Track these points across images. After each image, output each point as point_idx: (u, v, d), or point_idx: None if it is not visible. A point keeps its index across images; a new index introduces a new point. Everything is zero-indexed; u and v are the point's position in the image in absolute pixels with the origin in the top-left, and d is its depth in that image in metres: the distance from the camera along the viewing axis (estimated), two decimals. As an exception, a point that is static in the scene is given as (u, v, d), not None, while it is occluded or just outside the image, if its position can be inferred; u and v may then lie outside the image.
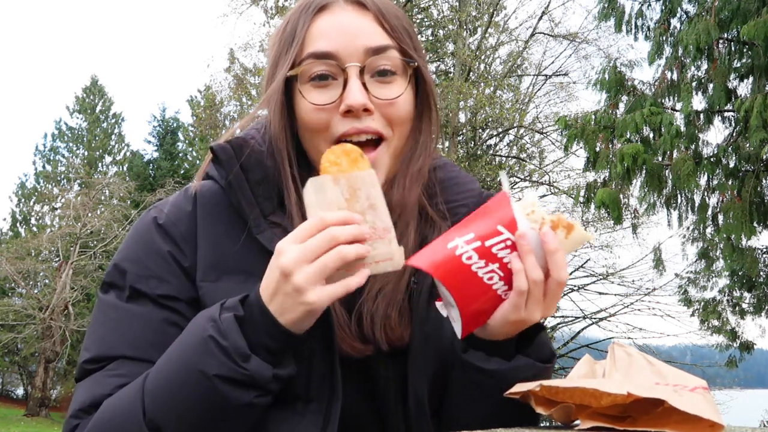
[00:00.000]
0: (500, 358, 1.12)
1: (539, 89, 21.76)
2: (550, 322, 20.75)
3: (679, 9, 9.98)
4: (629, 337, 20.41)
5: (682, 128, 9.10)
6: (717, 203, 9.83)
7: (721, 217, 9.64)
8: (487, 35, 20.55)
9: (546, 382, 0.95)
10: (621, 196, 9.69)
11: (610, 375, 1.04)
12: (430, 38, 20.24)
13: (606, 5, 10.50)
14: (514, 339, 1.13)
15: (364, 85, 1.16)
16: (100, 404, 1.11)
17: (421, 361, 1.19)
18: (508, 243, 1.04)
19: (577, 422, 0.95)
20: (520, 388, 0.99)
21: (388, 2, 1.24)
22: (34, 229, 32.87)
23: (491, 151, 20.49)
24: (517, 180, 20.50)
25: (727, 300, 14.43)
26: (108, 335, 1.16)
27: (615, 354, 1.08)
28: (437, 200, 1.30)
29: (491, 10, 20.14)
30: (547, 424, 1.12)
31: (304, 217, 1.10)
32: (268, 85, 1.25)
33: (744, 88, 9.64)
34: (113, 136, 37.52)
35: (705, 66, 9.63)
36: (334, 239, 1.01)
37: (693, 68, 9.74)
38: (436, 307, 1.12)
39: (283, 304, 1.02)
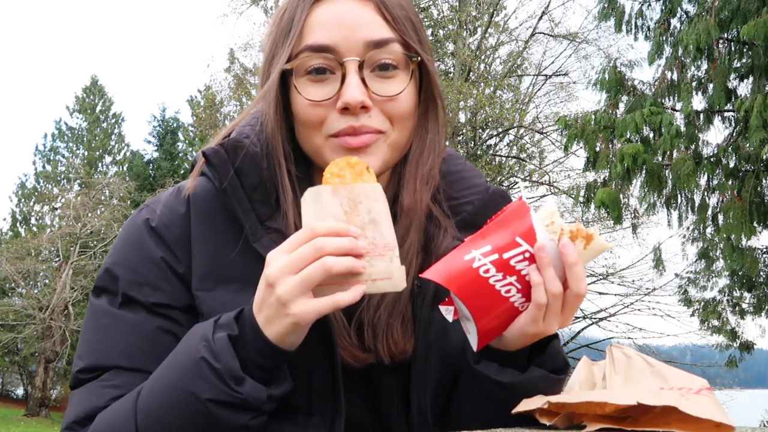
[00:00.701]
0: (514, 370, 1.09)
1: (539, 89, 21.78)
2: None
3: (679, 9, 9.98)
4: (629, 337, 20.43)
5: (682, 128, 9.10)
6: (717, 203, 9.84)
7: (721, 217, 9.65)
8: (487, 35, 20.56)
9: (554, 398, 0.94)
10: (621, 196, 9.69)
11: (610, 378, 1.03)
12: (430, 38, 20.19)
13: (606, 5, 10.50)
14: (527, 349, 1.11)
15: (363, 80, 1.10)
16: (95, 417, 1.08)
17: (425, 371, 1.16)
18: (527, 255, 1.00)
19: (582, 424, 0.95)
20: (528, 406, 0.98)
21: None
22: (34, 229, 32.85)
23: (491, 151, 20.50)
24: (517, 180, 20.51)
25: (727, 300, 14.43)
26: (101, 344, 1.13)
27: (613, 356, 1.07)
28: (441, 197, 1.25)
29: (491, 10, 20.15)
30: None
31: (299, 218, 1.06)
32: (263, 77, 1.19)
33: (744, 88, 9.66)
34: (113, 136, 37.50)
35: (705, 66, 9.64)
36: (320, 250, 0.95)
37: (693, 68, 9.75)
38: (440, 311, 1.08)
39: (268, 315, 0.98)
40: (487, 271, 0.99)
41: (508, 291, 1.01)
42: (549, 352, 1.14)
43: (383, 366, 1.15)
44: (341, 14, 1.11)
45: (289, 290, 0.95)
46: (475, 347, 1.05)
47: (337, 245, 0.96)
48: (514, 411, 1.00)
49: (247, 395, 0.97)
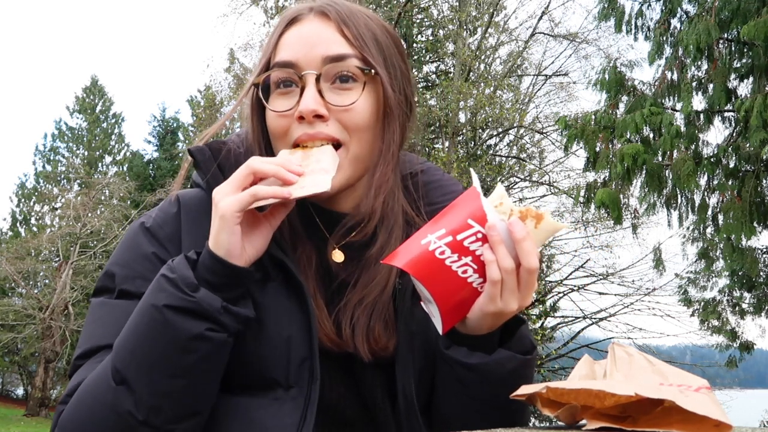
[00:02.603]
0: (483, 353, 1.14)
1: (539, 89, 21.77)
2: (550, 323, 20.76)
3: (679, 9, 9.97)
4: (629, 337, 20.40)
5: (682, 128, 9.09)
6: (717, 203, 9.83)
7: (721, 217, 9.64)
8: (487, 35, 20.54)
9: (552, 384, 0.95)
10: (621, 196, 9.68)
11: (611, 375, 1.04)
12: (430, 38, 20.25)
13: (606, 5, 10.49)
14: (496, 334, 1.15)
15: (320, 92, 1.18)
16: None
17: (409, 360, 1.21)
18: (479, 236, 1.05)
19: (582, 422, 0.95)
20: (525, 390, 0.99)
21: (360, 12, 1.26)
22: (34, 229, 32.82)
23: (491, 151, 20.47)
24: (517, 180, 20.49)
25: (727, 300, 14.43)
26: (96, 331, 1.20)
27: (615, 354, 1.08)
28: (420, 204, 1.32)
29: (491, 10, 20.13)
30: (547, 424, 1.12)
31: None
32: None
33: (744, 88, 9.64)
34: (113, 136, 37.47)
35: (705, 66, 9.62)
36: (250, 166, 1.10)
37: (693, 68, 9.73)
38: (422, 307, 1.13)
39: (213, 228, 1.09)
40: (442, 252, 1.04)
41: (464, 272, 1.06)
42: (516, 336, 1.19)
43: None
44: (304, 34, 1.22)
45: (219, 193, 1.09)
46: (440, 330, 1.09)
47: (267, 160, 1.11)
48: (512, 395, 1.01)
49: (201, 300, 1.05)
